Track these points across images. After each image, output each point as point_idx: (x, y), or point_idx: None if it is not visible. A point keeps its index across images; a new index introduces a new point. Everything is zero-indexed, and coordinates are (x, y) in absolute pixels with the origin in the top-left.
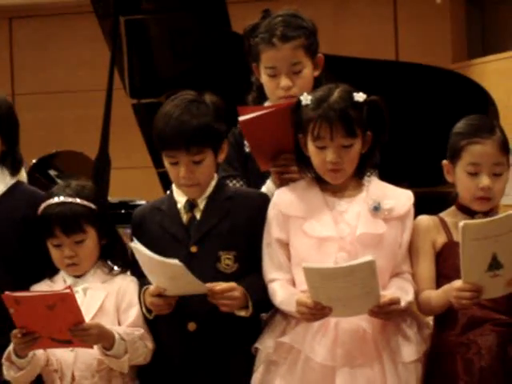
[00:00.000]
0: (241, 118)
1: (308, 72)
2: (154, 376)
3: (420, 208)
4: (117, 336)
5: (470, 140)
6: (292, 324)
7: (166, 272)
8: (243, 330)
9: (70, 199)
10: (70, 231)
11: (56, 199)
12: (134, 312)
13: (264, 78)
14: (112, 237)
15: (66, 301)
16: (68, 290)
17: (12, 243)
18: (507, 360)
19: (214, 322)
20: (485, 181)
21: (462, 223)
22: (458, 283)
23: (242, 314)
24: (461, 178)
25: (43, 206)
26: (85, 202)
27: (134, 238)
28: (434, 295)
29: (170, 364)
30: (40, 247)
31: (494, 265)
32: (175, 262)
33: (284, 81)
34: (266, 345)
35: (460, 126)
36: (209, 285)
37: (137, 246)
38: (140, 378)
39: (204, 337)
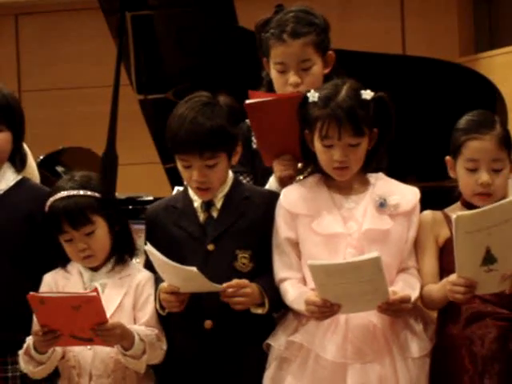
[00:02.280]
0: (247, 101)
1: (317, 69)
2: (170, 374)
3: (429, 202)
4: (136, 336)
5: (469, 136)
6: (304, 322)
7: (180, 275)
8: (258, 328)
9: (73, 192)
10: (77, 225)
11: (60, 194)
12: (149, 311)
13: (273, 74)
14: (123, 226)
15: (92, 303)
16: (95, 294)
17: (18, 238)
18: (509, 356)
19: (230, 320)
20: (484, 177)
21: (454, 215)
22: (452, 277)
23: (259, 311)
24: (461, 174)
25: (49, 202)
26: (88, 193)
27: (148, 243)
28: (435, 289)
29: (186, 362)
30: (47, 241)
31: (488, 259)
32: (192, 269)
33: (292, 77)
34: (278, 342)
35: (461, 121)
36: (223, 285)
37: (151, 250)
38: (157, 376)
39: (220, 334)
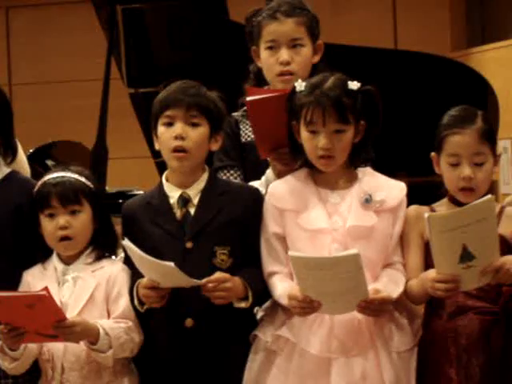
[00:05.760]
0: (248, 98)
1: (307, 52)
2: (152, 373)
3: (419, 197)
4: (101, 331)
5: (450, 131)
6: (291, 316)
7: (159, 270)
8: (239, 325)
9: (69, 174)
10: (66, 201)
11: (55, 174)
12: (123, 303)
13: (263, 55)
14: (104, 223)
15: (44, 302)
16: (44, 292)
17: (6, 231)
18: (491, 348)
19: (210, 318)
20: (465, 171)
21: (426, 215)
22: (432, 274)
23: (242, 305)
24: (444, 170)
25: (41, 181)
26: (83, 179)
27: (126, 238)
28: (414, 284)
29: (168, 360)
30: (34, 235)
31: (466, 256)
32: (169, 264)
33: (284, 54)
34: (265, 334)
35: (444, 117)
36: (203, 280)
37: (129, 245)
38: (140, 373)
39: (201, 333)
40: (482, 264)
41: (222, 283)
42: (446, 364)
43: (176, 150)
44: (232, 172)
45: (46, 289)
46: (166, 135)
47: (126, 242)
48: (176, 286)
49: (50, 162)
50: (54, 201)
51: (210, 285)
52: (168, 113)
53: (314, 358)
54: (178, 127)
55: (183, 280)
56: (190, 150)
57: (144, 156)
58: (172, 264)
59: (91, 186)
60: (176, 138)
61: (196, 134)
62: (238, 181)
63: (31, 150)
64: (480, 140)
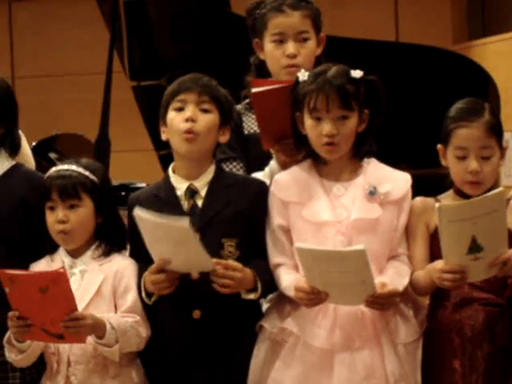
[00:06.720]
0: (253, 90)
1: (313, 45)
2: (160, 364)
3: (423, 189)
4: (108, 325)
5: (457, 124)
6: (297, 308)
7: (172, 237)
8: (246, 315)
9: (73, 167)
10: (64, 194)
11: (59, 167)
12: (130, 297)
13: (269, 48)
14: (111, 217)
15: (59, 282)
16: (62, 270)
17: (12, 224)
18: (496, 340)
19: (218, 309)
20: (472, 165)
21: (437, 205)
22: (440, 264)
23: (251, 296)
24: (451, 162)
25: (48, 173)
26: (86, 173)
27: (137, 206)
28: (421, 276)
29: (175, 351)
30: (42, 227)
31: (475, 248)
32: (183, 222)
33: (290, 47)
34: (271, 325)
35: (451, 109)
36: (213, 260)
37: (140, 213)
38: (145, 367)
39: (209, 324)
40: (490, 256)
41: (232, 270)
42: (451, 355)
43: (186, 132)
44: (235, 164)
45: (62, 268)
46: (177, 119)
47: (137, 211)
48: (185, 269)
49: (53, 155)
50: (54, 194)
51: (220, 270)
52: (180, 97)
53: (318, 350)
54: (190, 109)
55: (195, 250)
56: (200, 134)
57: (146, 149)
58: (187, 220)
59: (95, 179)
60: (187, 120)
61: (206, 119)
62: (241, 173)
63: (34, 143)
64: (487, 133)
